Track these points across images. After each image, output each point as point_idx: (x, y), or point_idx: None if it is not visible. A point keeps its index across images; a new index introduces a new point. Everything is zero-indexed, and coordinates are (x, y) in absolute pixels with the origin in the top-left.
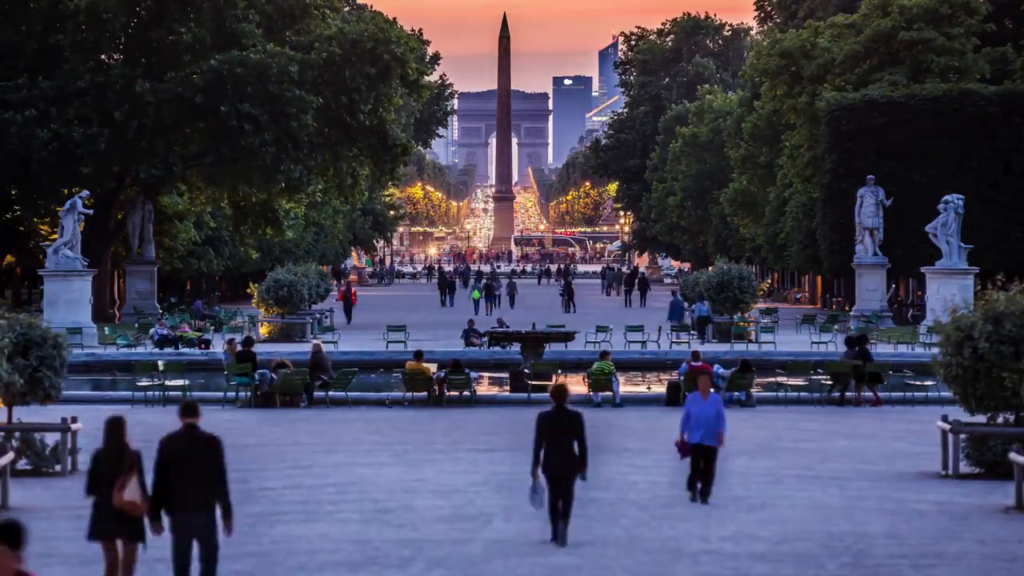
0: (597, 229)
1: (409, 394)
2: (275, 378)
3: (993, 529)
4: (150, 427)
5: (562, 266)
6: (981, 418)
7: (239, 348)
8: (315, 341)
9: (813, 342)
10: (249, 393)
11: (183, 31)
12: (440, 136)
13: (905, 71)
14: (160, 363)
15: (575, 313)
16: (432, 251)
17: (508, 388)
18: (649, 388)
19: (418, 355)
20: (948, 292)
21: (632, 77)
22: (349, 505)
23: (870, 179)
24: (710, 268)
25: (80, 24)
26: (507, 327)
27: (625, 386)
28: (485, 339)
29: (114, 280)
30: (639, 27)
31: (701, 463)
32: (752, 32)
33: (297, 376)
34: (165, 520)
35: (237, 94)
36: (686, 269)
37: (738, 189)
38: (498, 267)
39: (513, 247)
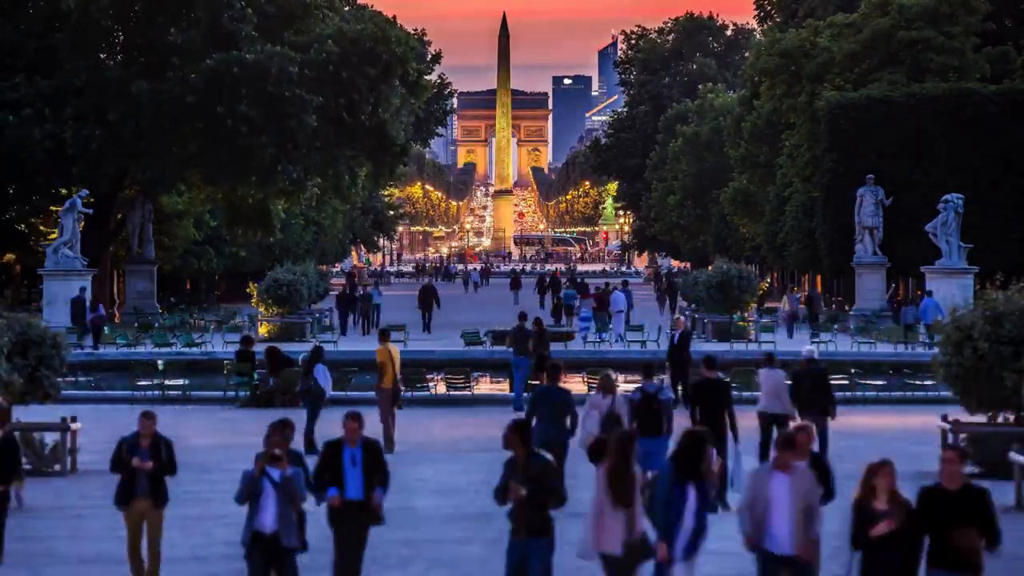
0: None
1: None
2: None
3: None
4: None
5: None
6: (981, 418)
7: (240, 348)
8: (315, 343)
9: (812, 341)
10: (248, 392)
11: (180, 31)
12: (439, 135)
13: (905, 70)
14: (160, 363)
15: None
16: (438, 251)
17: (508, 388)
18: None
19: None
20: (948, 292)
21: (632, 76)
22: None
23: (870, 179)
24: (709, 268)
25: (77, 24)
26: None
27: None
28: (487, 337)
29: (114, 280)
30: (639, 26)
31: None
32: (755, 33)
33: (297, 376)
34: None
35: (234, 95)
36: (675, 268)
37: (738, 188)
38: (498, 267)
39: (513, 247)
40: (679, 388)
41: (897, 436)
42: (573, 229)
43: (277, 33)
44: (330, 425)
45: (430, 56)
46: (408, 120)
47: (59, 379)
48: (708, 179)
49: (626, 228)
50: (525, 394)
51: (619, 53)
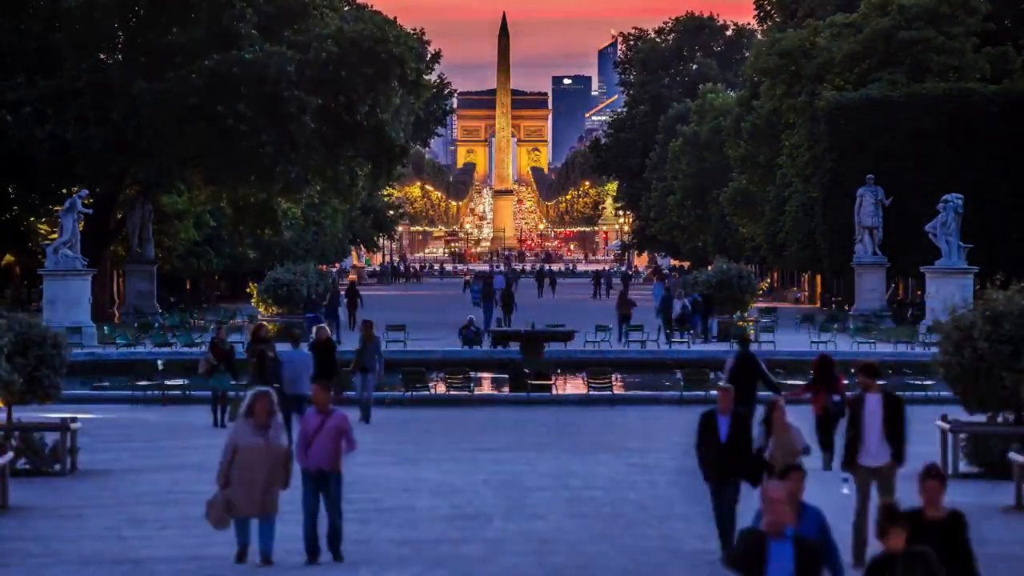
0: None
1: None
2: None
3: (993, 529)
4: (150, 427)
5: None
6: (981, 418)
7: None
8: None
9: (812, 341)
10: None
11: (181, 31)
12: (439, 135)
13: (904, 70)
14: (160, 363)
15: None
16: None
17: (508, 388)
18: None
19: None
20: (947, 292)
21: (632, 76)
22: (349, 505)
23: (870, 178)
24: (709, 267)
25: (77, 24)
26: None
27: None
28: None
29: (114, 280)
30: (637, 27)
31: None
32: (756, 33)
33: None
34: None
35: (233, 95)
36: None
37: (738, 188)
38: (498, 267)
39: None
40: None
41: None
42: (572, 229)
43: (276, 33)
44: None
45: (430, 56)
46: (407, 120)
47: (59, 379)
48: (708, 179)
49: (626, 228)
50: None
51: (619, 53)
